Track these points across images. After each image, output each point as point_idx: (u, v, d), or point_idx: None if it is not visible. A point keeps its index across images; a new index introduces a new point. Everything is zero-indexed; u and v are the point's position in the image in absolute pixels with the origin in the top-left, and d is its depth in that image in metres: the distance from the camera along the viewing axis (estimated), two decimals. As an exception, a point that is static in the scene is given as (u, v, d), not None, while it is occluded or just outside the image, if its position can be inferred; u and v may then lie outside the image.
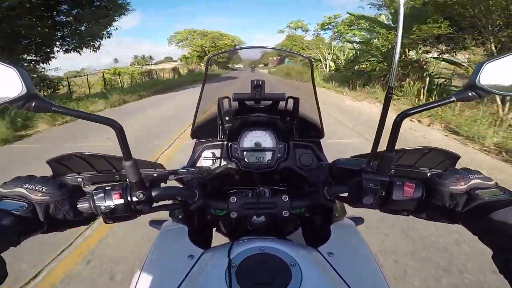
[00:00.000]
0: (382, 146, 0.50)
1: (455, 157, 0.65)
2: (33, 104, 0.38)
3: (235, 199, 0.62)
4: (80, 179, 0.64)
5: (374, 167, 0.52)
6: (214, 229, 0.85)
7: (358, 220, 0.88)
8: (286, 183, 0.84)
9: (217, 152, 0.82)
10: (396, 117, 0.46)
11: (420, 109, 0.47)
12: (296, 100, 0.85)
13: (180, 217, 0.72)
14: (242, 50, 0.85)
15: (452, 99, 0.45)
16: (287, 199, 0.62)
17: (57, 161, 0.61)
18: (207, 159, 0.82)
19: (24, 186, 0.45)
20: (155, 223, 0.92)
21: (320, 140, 0.88)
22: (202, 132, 0.87)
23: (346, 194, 0.58)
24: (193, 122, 0.84)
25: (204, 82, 0.83)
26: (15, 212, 0.41)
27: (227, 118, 0.86)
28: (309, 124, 0.89)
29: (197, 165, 0.81)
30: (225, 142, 0.81)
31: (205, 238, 0.79)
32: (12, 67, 0.37)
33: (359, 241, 0.64)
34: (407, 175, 0.64)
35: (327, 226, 0.67)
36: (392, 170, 0.64)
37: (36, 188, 0.45)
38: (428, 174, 0.66)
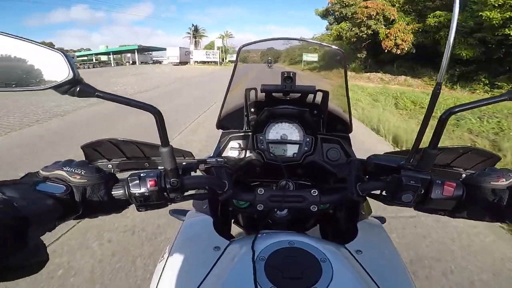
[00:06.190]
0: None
1: (495, 158, 0.63)
2: (78, 89, 0.39)
3: (263, 191, 0.61)
4: (110, 166, 0.66)
5: (414, 164, 0.50)
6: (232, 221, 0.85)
7: (381, 219, 0.87)
8: (310, 177, 0.82)
9: (243, 143, 0.82)
10: (442, 114, 0.44)
11: (469, 106, 0.44)
12: (325, 94, 0.82)
13: (204, 207, 0.72)
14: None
15: (504, 97, 0.42)
16: (316, 193, 0.61)
17: (91, 147, 0.63)
18: (234, 150, 0.82)
19: (64, 169, 0.45)
20: (176, 213, 0.94)
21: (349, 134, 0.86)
22: (228, 122, 0.87)
23: (378, 192, 0.57)
24: (220, 112, 0.84)
25: (233, 72, 0.82)
26: (55, 195, 0.42)
27: (252, 109, 0.86)
28: (337, 118, 0.87)
29: (223, 155, 0.81)
30: (251, 134, 0.81)
31: (226, 229, 0.79)
32: (60, 52, 0.37)
33: (386, 240, 0.64)
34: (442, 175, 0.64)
35: (353, 223, 0.66)
36: None
37: (75, 171, 0.46)
38: (463, 175, 0.65)
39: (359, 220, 0.67)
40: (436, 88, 0.44)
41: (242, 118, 0.86)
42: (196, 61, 44.98)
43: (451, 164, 0.66)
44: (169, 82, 14.02)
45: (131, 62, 45.13)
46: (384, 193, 0.56)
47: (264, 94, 0.81)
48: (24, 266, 0.36)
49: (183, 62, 42.31)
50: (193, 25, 60.89)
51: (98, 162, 0.65)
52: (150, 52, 50.88)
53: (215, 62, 44.13)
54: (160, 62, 47.30)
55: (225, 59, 49.77)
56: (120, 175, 0.54)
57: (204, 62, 44.15)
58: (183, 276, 0.52)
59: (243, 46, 0.83)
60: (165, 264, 0.56)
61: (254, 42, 0.81)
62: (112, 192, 0.49)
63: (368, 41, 16.70)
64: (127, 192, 0.48)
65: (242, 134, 0.83)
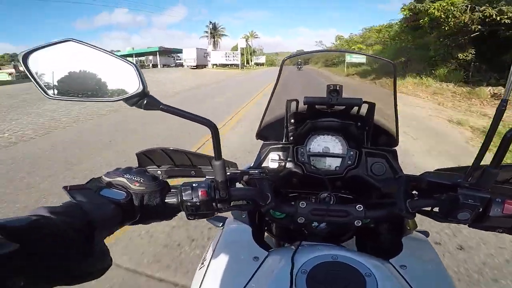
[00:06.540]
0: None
1: None
2: (145, 101, 0.40)
3: (305, 204, 0.61)
4: (159, 172, 0.69)
5: (472, 182, 0.49)
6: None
7: (425, 233, 0.85)
8: (350, 190, 0.81)
9: (283, 155, 0.82)
10: (507, 132, 0.42)
11: None
12: (371, 106, 0.80)
13: (243, 216, 0.73)
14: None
15: None
16: (362, 208, 0.59)
17: (144, 154, 0.67)
18: (274, 161, 0.81)
19: (124, 176, 0.48)
20: (213, 219, 0.95)
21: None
22: (268, 133, 0.87)
23: (429, 208, 0.55)
24: (260, 123, 0.85)
25: (276, 84, 0.82)
26: (119, 200, 0.44)
27: (292, 120, 0.85)
28: (383, 131, 0.84)
29: (263, 166, 0.82)
30: (291, 146, 0.81)
31: (262, 239, 0.80)
32: (132, 65, 0.39)
33: (432, 255, 0.63)
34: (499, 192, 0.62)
35: (398, 238, 0.65)
36: None
37: (135, 178, 0.48)
38: None
39: (404, 235, 0.66)
40: (501, 105, 0.42)
41: (282, 129, 0.86)
42: (214, 64, 42.63)
43: (511, 181, 0.63)
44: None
45: (151, 65, 42.78)
46: (436, 209, 0.54)
47: (306, 105, 0.80)
48: (90, 272, 0.36)
49: (200, 66, 39.48)
50: (210, 22, 56.47)
51: (148, 168, 0.68)
52: (178, 54, 49.21)
53: (236, 65, 41.93)
54: (182, 65, 43.84)
55: (251, 61, 47.47)
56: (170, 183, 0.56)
57: (224, 65, 42.13)
58: (223, 284, 0.53)
59: (287, 58, 0.84)
60: (206, 271, 0.58)
61: (296, 55, 0.82)
62: (166, 200, 0.51)
63: (476, 33, 9.48)
64: (179, 200, 0.51)
65: (282, 145, 0.83)
